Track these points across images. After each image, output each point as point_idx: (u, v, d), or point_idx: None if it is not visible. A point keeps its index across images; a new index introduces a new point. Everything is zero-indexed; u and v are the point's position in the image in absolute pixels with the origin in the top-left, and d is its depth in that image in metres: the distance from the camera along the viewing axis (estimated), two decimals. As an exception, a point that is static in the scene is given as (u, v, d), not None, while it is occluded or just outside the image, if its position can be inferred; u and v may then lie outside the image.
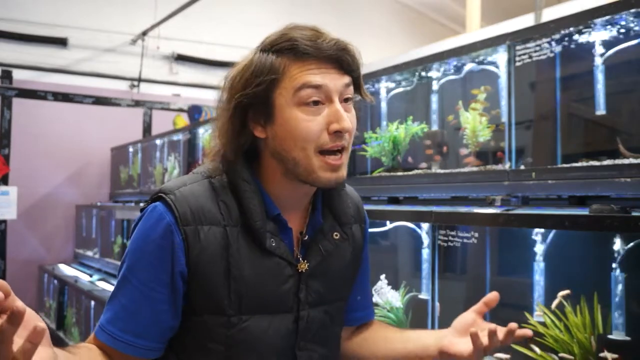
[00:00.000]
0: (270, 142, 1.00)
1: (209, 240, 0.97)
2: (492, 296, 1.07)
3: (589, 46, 1.53)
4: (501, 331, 0.98)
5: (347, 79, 0.99)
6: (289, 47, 0.96)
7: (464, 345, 1.02)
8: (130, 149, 4.62)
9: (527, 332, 1.01)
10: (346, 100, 0.99)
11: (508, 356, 1.46)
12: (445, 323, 1.65)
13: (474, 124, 1.83)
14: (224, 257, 0.97)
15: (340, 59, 0.97)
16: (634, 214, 1.25)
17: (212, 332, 0.98)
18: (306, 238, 1.06)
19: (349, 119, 0.98)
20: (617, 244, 1.27)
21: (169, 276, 0.96)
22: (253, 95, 0.97)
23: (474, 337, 0.97)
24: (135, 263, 0.97)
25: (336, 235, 1.09)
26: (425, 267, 1.75)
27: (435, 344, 1.07)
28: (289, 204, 1.05)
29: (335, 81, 0.97)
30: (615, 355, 1.25)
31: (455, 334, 1.07)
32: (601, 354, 1.26)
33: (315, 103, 0.96)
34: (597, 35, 1.51)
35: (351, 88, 1.01)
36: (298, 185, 1.02)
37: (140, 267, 0.96)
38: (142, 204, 1.05)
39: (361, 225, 1.19)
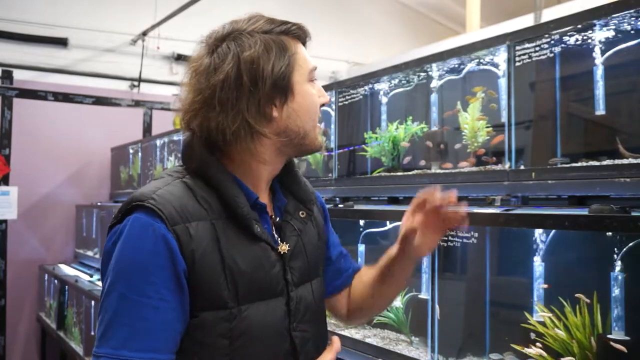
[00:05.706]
0: (282, 121, 1.04)
1: (199, 236, 0.96)
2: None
3: (589, 46, 1.53)
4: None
5: None
6: (286, 30, 1.06)
7: (416, 219, 1.12)
8: (130, 149, 4.61)
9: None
10: None
11: (501, 357, 1.46)
12: (445, 323, 1.65)
13: (472, 124, 1.83)
14: (216, 249, 0.97)
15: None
16: (633, 214, 1.25)
17: (215, 329, 0.97)
18: (277, 220, 1.11)
19: None
20: (617, 244, 1.27)
21: (174, 279, 0.93)
22: (281, 75, 1.02)
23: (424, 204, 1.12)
24: (134, 279, 0.92)
25: (302, 213, 1.14)
26: (425, 267, 1.75)
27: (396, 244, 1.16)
28: (257, 188, 1.08)
29: None
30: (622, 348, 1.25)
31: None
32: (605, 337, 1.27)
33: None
34: (597, 35, 1.51)
35: None
36: (262, 168, 1.07)
37: (142, 281, 0.91)
38: (112, 221, 0.98)
39: (316, 204, 1.23)
